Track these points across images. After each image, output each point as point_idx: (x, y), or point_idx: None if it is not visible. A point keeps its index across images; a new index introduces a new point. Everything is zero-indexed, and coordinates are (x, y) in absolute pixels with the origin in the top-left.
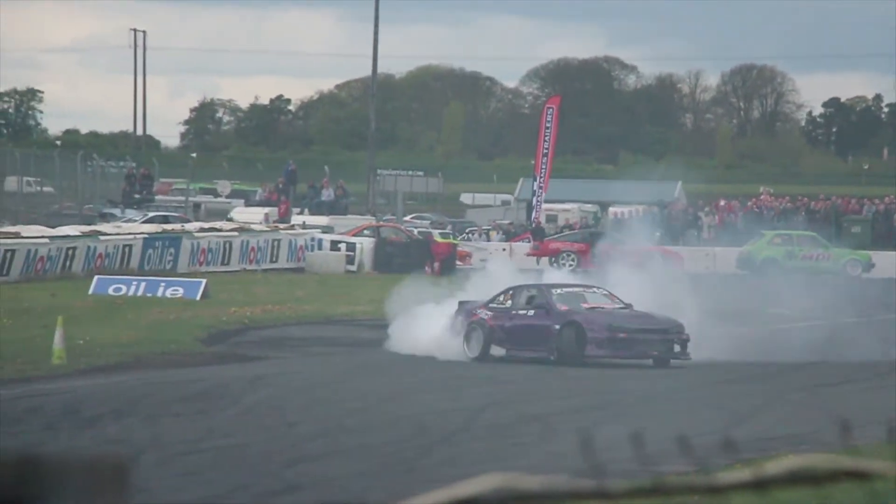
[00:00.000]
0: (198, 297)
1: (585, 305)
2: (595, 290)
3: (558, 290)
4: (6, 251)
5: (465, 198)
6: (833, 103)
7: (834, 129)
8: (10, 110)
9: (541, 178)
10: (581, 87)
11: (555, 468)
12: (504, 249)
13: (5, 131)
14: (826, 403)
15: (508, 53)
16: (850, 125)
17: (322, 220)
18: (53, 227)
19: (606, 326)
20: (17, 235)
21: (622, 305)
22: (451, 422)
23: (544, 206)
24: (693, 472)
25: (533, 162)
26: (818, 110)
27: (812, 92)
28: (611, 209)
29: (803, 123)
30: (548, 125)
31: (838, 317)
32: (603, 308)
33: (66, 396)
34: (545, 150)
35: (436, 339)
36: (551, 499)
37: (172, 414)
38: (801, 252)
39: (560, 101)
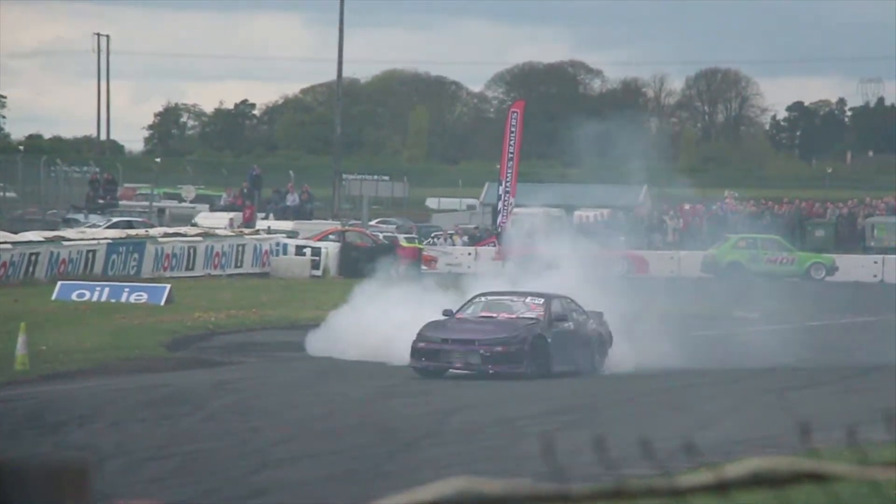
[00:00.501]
0: (162, 303)
1: (497, 315)
2: (531, 298)
3: (482, 299)
4: None
5: (431, 202)
6: (797, 107)
7: (798, 133)
8: None
9: (507, 182)
10: (546, 91)
11: (521, 472)
12: (469, 254)
13: None
14: (790, 407)
15: (474, 58)
16: (814, 129)
17: (287, 224)
18: (16, 233)
19: (418, 336)
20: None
21: (553, 314)
22: (419, 426)
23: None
24: (655, 475)
25: (498, 166)
26: (782, 114)
27: (776, 96)
28: (576, 213)
29: (767, 127)
30: (513, 129)
31: (803, 320)
32: (492, 317)
33: (29, 402)
34: (510, 154)
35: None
36: (513, 502)
37: (137, 419)
38: (765, 255)
39: (525, 105)
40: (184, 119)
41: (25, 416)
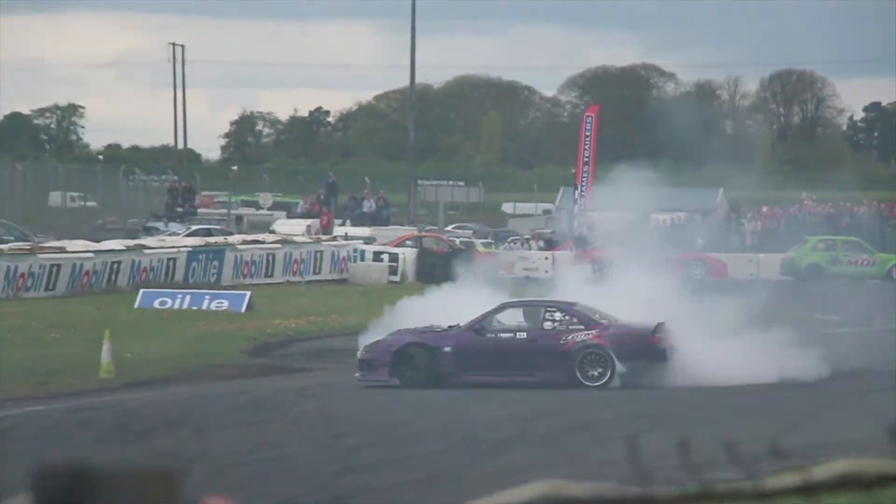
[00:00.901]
0: (242, 310)
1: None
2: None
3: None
4: (52, 266)
5: (507, 207)
6: (874, 108)
7: (875, 134)
8: (53, 126)
9: (582, 186)
10: (620, 95)
11: (603, 476)
12: (546, 258)
13: (48, 147)
14: (875, 410)
15: (546, 62)
16: (892, 129)
17: (364, 231)
18: (98, 242)
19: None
20: (62, 250)
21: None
22: (499, 431)
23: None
24: (741, 478)
25: (573, 170)
26: (859, 115)
27: (853, 96)
28: (653, 216)
29: (844, 128)
30: (587, 134)
31: (886, 322)
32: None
33: (115, 410)
34: (586, 159)
35: None
36: None
37: (221, 426)
38: (845, 257)
39: (599, 110)
40: (259, 127)
41: (111, 424)
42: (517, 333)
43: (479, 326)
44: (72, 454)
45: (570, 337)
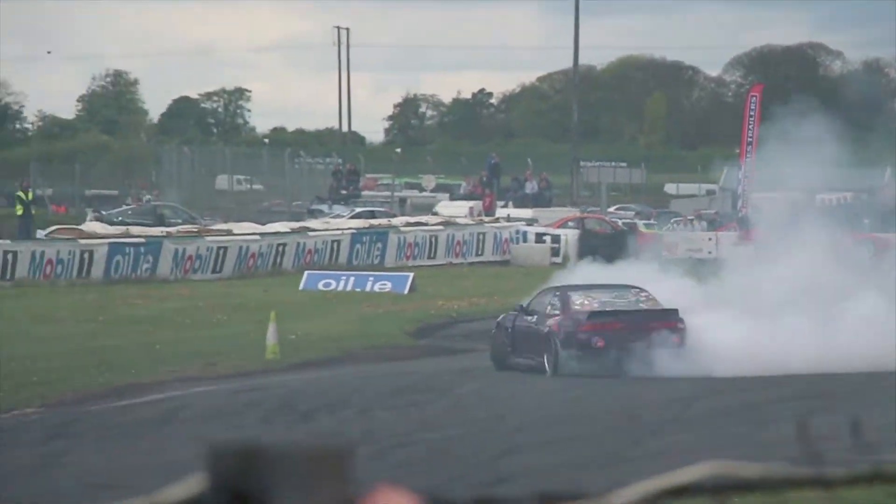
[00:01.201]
0: (405, 291)
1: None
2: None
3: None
4: (219, 248)
5: (670, 188)
6: None
7: None
8: (220, 109)
9: (746, 166)
10: (785, 74)
11: (769, 457)
12: (710, 239)
13: (215, 130)
14: None
15: (710, 42)
16: None
17: (526, 212)
18: (263, 224)
19: None
20: (229, 233)
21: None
22: (663, 412)
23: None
24: None
25: (737, 150)
26: None
27: None
28: (818, 196)
29: None
30: (751, 113)
31: None
32: None
33: (281, 390)
34: (749, 139)
35: None
36: (769, 487)
37: (385, 407)
38: None
39: (763, 88)
40: (422, 109)
41: (277, 404)
42: (531, 317)
43: (523, 309)
44: (239, 434)
45: (549, 322)
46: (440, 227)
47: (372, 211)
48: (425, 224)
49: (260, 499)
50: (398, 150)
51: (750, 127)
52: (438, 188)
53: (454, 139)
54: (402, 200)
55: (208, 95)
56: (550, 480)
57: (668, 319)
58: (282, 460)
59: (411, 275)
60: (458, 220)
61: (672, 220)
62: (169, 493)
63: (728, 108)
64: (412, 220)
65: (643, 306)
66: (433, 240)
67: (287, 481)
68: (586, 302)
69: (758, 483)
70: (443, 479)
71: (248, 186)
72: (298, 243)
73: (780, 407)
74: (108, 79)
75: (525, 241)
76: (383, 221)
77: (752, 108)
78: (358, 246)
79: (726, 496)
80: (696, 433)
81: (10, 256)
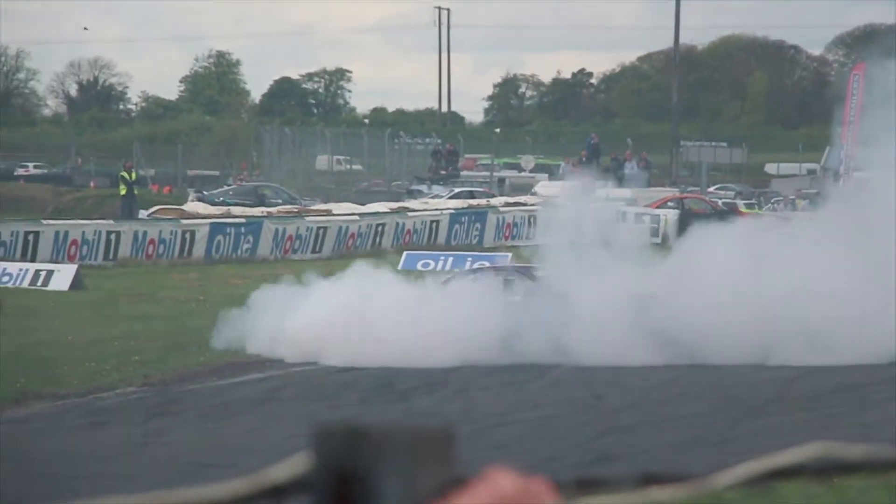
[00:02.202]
0: None
1: None
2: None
3: None
4: (319, 228)
5: (770, 167)
6: None
7: None
8: (320, 90)
9: (847, 145)
10: (889, 53)
11: (871, 439)
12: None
13: (316, 111)
14: None
15: (813, 20)
16: None
17: (625, 192)
18: (363, 205)
19: None
20: (328, 213)
21: None
22: (762, 392)
23: (855, 174)
24: None
25: (839, 130)
26: None
27: None
28: None
29: None
30: (854, 93)
31: None
32: None
33: (380, 371)
34: (851, 118)
35: None
36: (874, 468)
37: (482, 387)
38: None
39: (866, 68)
40: (522, 90)
41: (376, 384)
42: None
43: None
44: (339, 415)
45: None
46: (539, 208)
47: (471, 191)
48: (524, 204)
49: (364, 480)
50: (497, 130)
51: (852, 106)
52: (537, 168)
53: (554, 119)
54: (501, 181)
55: (309, 76)
56: (651, 461)
57: None
58: (386, 441)
59: (510, 255)
60: (557, 201)
61: (773, 200)
62: (274, 473)
63: (830, 87)
64: (511, 200)
65: None
66: (532, 220)
67: (391, 462)
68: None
69: (862, 464)
70: (541, 460)
71: (348, 167)
72: (397, 223)
73: (881, 389)
74: (211, 60)
75: (624, 220)
76: (482, 201)
77: (855, 86)
78: (456, 226)
79: (830, 477)
80: (795, 414)
81: (112, 236)
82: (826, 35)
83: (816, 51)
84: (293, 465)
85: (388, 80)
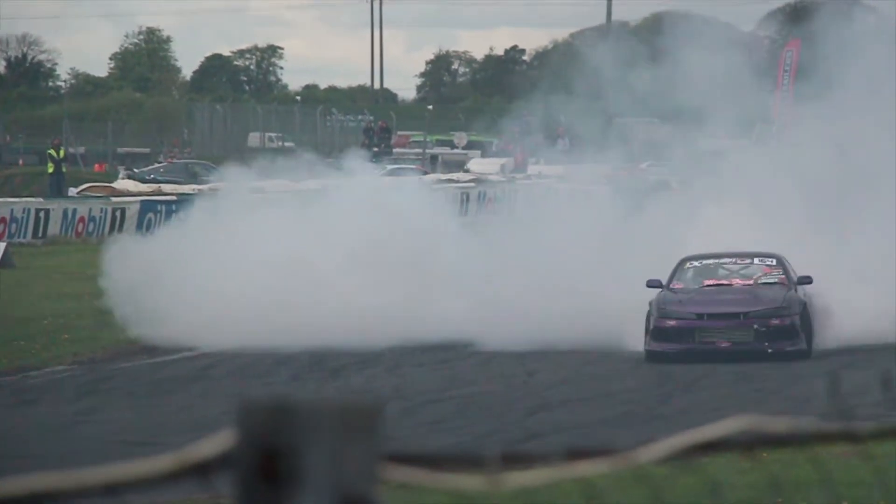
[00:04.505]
0: None
1: (732, 282)
2: (760, 259)
3: (694, 265)
4: None
5: (704, 144)
6: None
7: None
8: (252, 67)
9: (779, 121)
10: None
11: (800, 412)
12: None
13: (247, 88)
14: None
15: None
16: None
17: (558, 169)
18: (297, 182)
19: (659, 313)
20: (261, 191)
21: (797, 277)
22: (694, 369)
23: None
24: None
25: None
26: None
27: None
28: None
29: None
30: (786, 69)
31: None
32: (730, 286)
33: (311, 349)
34: (783, 94)
35: None
36: (798, 441)
37: (415, 364)
38: None
39: (800, 44)
40: (455, 66)
41: (308, 362)
42: (797, 288)
43: (804, 279)
44: (270, 391)
45: None
46: (472, 185)
47: (403, 168)
48: (456, 181)
49: (290, 455)
50: (430, 107)
51: (784, 82)
52: (470, 145)
53: (486, 96)
54: (434, 157)
55: (241, 53)
56: (582, 436)
57: None
58: (312, 416)
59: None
60: (489, 178)
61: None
62: (200, 449)
63: (761, 63)
64: (444, 177)
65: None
66: (464, 197)
67: (317, 437)
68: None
69: (787, 437)
70: (472, 436)
71: (280, 144)
72: None
73: (812, 364)
74: (141, 36)
75: (557, 197)
76: (414, 179)
77: (788, 62)
78: None
79: (756, 451)
80: (727, 390)
81: (41, 214)
82: (758, 11)
83: (748, 27)
84: (218, 442)
85: (320, 57)
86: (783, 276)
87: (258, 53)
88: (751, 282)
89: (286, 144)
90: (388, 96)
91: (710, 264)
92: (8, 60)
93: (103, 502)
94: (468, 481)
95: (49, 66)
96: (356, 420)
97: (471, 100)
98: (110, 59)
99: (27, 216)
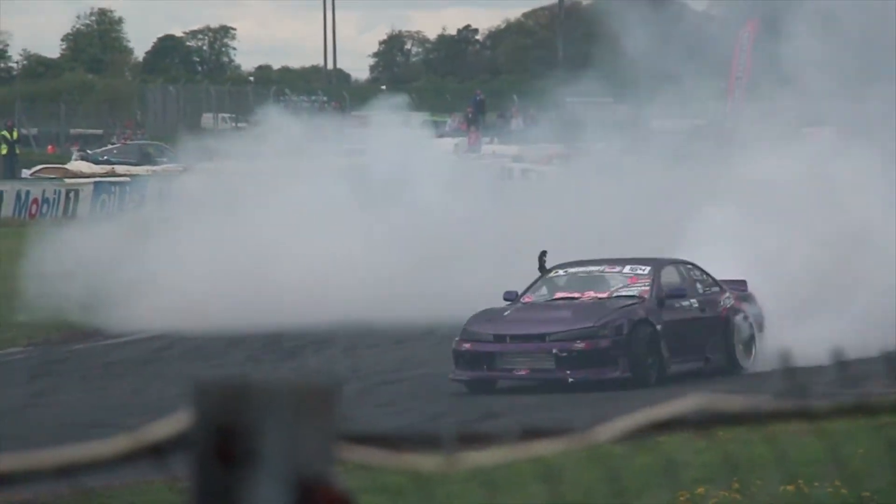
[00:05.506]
0: None
1: (582, 295)
2: (631, 267)
3: (562, 273)
4: None
5: (656, 124)
6: None
7: None
8: (205, 48)
9: (734, 102)
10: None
11: (758, 390)
12: None
13: (200, 69)
14: None
15: None
16: None
17: (512, 149)
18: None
19: (462, 334)
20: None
21: (666, 289)
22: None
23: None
24: None
25: (724, 86)
26: None
27: None
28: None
29: None
30: (742, 49)
31: None
32: (574, 299)
33: (264, 331)
34: (739, 75)
35: None
36: (754, 419)
37: (369, 345)
38: None
39: (757, 24)
40: (408, 46)
41: (263, 343)
42: (690, 301)
43: (667, 293)
44: (225, 373)
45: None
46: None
47: (361, 149)
48: None
49: (245, 434)
50: (383, 87)
51: (741, 63)
52: (423, 125)
53: (439, 76)
54: None
55: (193, 34)
56: (537, 416)
57: None
58: (267, 396)
59: None
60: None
61: None
62: (154, 430)
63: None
64: None
65: None
66: None
67: (273, 417)
68: None
69: (743, 416)
70: (426, 417)
71: (234, 125)
72: None
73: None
74: (93, 17)
75: (511, 177)
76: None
77: (745, 43)
78: None
79: (712, 429)
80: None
81: None
82: None
83: (700, 6)
84: (174, 423)
85: (272, 38)
86: (646, 289)
87: (210, 34)
88: (604, 295)
89: (240, 125)
90: (341, 77)
91: (578, 273)
92: None
93: (59, 484)
94: (425, 461)
95: (0, 47)
96: (312, 400)
97: (424, 80)
98: (62, 40)
99: None
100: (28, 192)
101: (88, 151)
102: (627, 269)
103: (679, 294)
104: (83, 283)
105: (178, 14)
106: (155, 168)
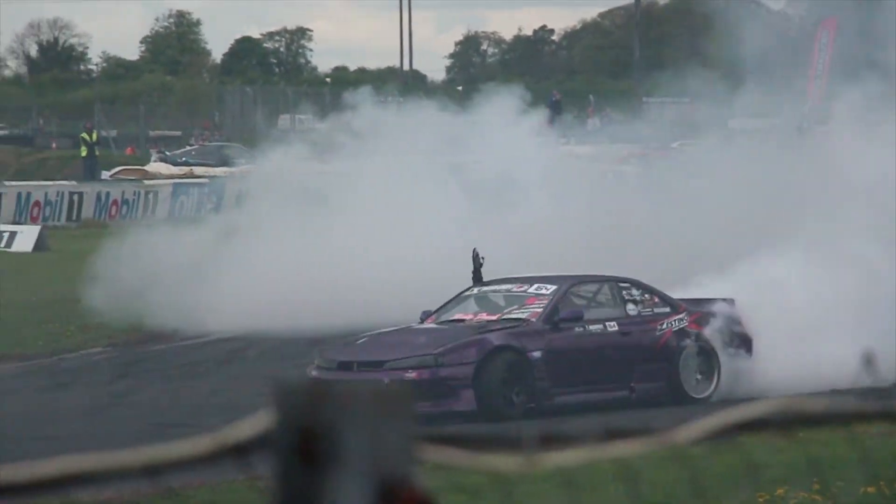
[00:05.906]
0: None
1: (472, 318)
2: (538, 286)
3: (475, 292)
4: None
5: (734, 123)
6: None
7: None
8: (282, 49)
9: (812, 101)
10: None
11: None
12: None
13: (277, 70)
14: None
15: None
16: None
17: (588, 149)
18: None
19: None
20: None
21: (562, 311)
22: None
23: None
24: None
25: (806, 85)
26: None
27: None
28: None
29: None
30: (822, 48)
31: None
32: (456, 322)
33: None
34: (818, 74)
35: None
36: (837, 420)
37: None
38: None
39: (836, 23)
40: (484, 47)
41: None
42: (606, 324)
43: (560, 316)
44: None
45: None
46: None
47: None
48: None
49: (327, 435)
50: (459, 88)
51: (820, 61)
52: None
53: (516, 76)
54: None
55: (270, 35)
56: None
57: None
58: (349, 397)
59: None
60: None
61: None
62: (237, 430)
63: (792, 42)
64: None
65: None
66: None
67: (354, 417)
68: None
69: (826, 417)
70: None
71: (311, 126)
72: None
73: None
74: (171, 20)
75: (605, 178)
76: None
77: (824, 41)
78: None
79: (793, 430)
80: None
81: (75, 198)
82: None
83: (777, 5)
84: (256, 423)
85: (349, 39)
86: (538, 311)
87: (287, 36)
88: (494, 317)
89: (317, 126)
90: (417, 77)
91: (488, 292)
92: (40, 45)
93: (142, 484)
94: (505, 461)
95: (80, 49)
96: (392, 401)
97: (500, 80)
98: (141, 42)
99: (61, 199)
100: (108, 194)
101: (167, 153)
102: (533, 288)
103: (575, 317)
104: (162, 284)
105: (255, 16)
106: (233, 169)
